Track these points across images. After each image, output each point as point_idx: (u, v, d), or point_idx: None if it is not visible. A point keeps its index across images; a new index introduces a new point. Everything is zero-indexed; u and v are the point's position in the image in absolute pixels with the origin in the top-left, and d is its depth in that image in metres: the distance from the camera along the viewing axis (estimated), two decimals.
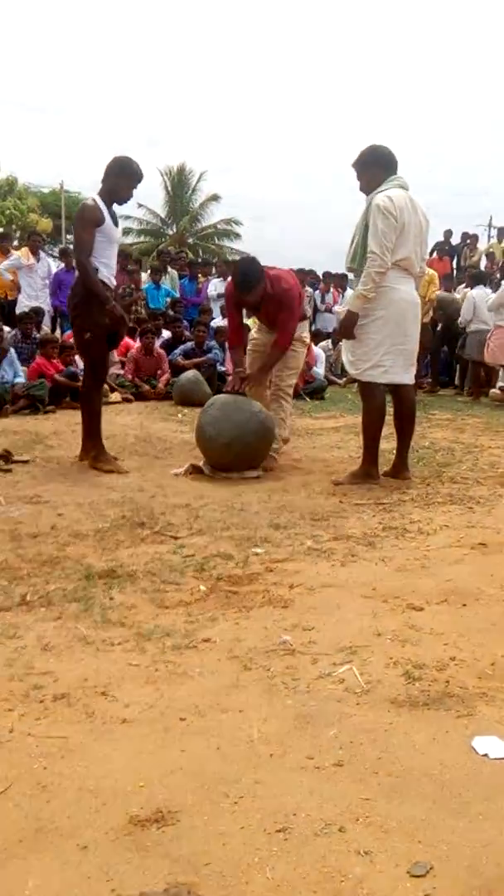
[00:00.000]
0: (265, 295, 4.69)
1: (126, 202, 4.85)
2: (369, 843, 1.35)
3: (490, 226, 26.18)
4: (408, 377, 4.35)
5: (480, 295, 9.93)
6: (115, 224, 4.76)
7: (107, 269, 4.70)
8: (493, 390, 9.60)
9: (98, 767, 1.58)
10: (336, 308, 11.99)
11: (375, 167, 4.24)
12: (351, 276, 4.60)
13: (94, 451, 4.79)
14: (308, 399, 8.81)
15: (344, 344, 4.49)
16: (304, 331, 5.06)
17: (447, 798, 1.49)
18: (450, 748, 1.66)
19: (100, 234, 4.60)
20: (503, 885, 1.27)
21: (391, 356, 4.21)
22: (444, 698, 1.86)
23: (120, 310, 4.66)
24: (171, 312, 10.46)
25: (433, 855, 1.33)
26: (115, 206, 4.79)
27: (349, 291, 4.50)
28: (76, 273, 4.90)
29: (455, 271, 13.88)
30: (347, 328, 4.24)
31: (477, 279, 10.38)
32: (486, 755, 1.63)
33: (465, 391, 10.24)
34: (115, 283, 4.83)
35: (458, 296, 10.80)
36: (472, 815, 1.44)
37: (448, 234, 14.69)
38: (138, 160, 4.75)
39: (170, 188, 33.77)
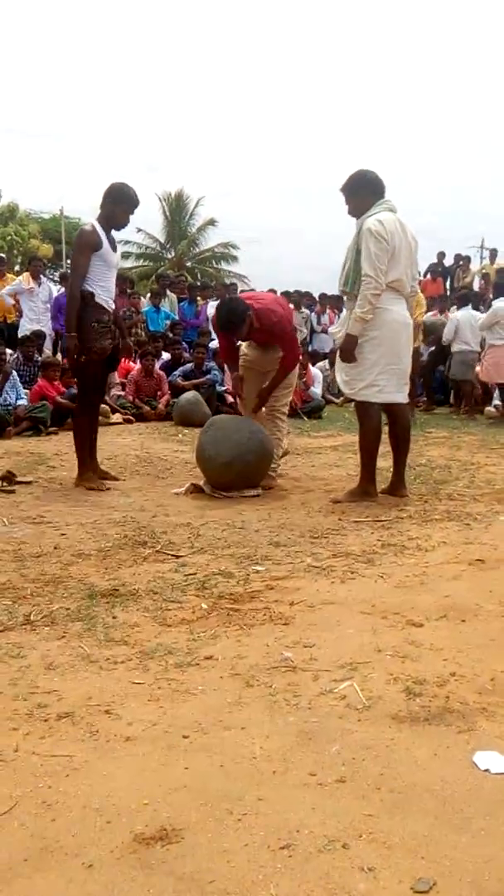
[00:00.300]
0: (252, 330, 4.73)
1: (124, 228, 4.91)
2: (373, 859, 1.36)
3: (482, 247, 26.39)
4: (401, 396, 4.40)
5: (464, 316, 10.13)
6: (114, 249, 4.81)
7: (105, 293, 4.74)
8: (488, 408, 9.68)
9: (102, 786, 1.59)
10: (331, 329, 12.03)
11: (364, 191, 4.31)
12: (345, 297, 4.66)
13: (80, 470, 4.84)
14: (306, 418, 8.86)
15: (338, 364, 4.53)
16: None
17: (449, 814, 1.50)
18: (451, 764, 1.66)
19: (98, 258, 4.65)
20: None
21: (385, 376, 4.26)
22: (445, 714, 1.87)
23: (74, 342, 4.65)
24: (170, 335, 10.55)
25: (436, 871, 1.33)
26: (115, 232, 4.85)
27: (345, 313, 4.55)
28: None
29: (449, 292, 14.07)
30: (348, 351, 4.28)
31: (463, 300, 10.57)
32: (487, 770, 1.63)
33: (460, 409, 10.32)
34: (114, 306, 4.88)
35: (452, 317, 10.99)
36: (475, 830, 1.45)
37: (441, 255, 14.94)
38: (137, 186, 4.82)
39: (168, 213, 34.04)
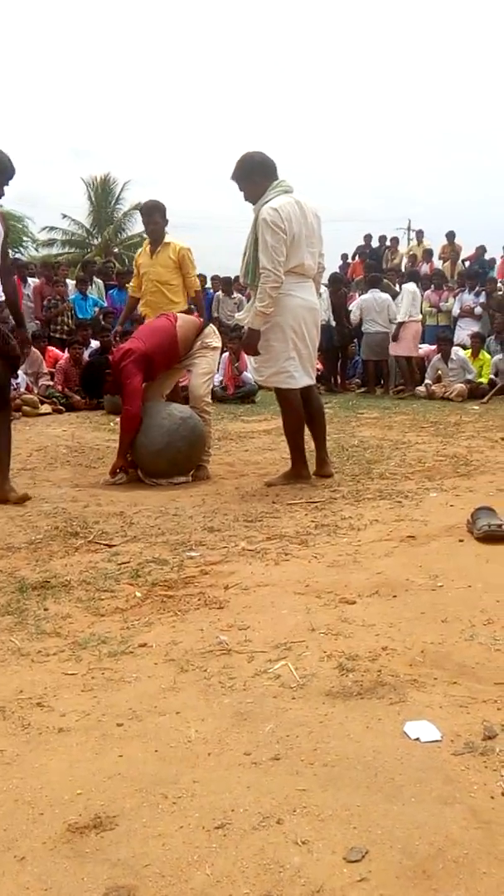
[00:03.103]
0: (115, 380, 4.71)
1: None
2: (306, 832, 1.38)
3: (409, 229, 26.85)
4: (309, 379, 4.40)
5: (367, 299, 10.62)
6: None
7: None
8: (419, 388, 9.89)
9: (34, 778, 1.56)
10: (238, 315, 11.97)
11: (256, 176, 4.21)
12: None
13: None
14: (239, 403, 8.89)
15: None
16: (208, 338, 4.95)
17: (381, 783, 1.53)
18: (383, 735, 1.70)
19: None
20: (436, 864, 1.30)
21: (293, 362, 4.25)
22: (377, 687, 1.90)
23: None
24: (101, 322, 10.39)
25: (368, 840, 1.36)
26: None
27: (251, 301, 4.47)
28: None
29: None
30: (251, 345, 4.26)
31: (371, 283, 10.97)
32: (417, 739, 1.67)
33: (389, 390, 10.59)
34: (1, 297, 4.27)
35: (357, 300, 11.54)
36: (405, 798, 1.48)
37: (367, 238, 15.14)
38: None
39: (94, 198, 33.32)
